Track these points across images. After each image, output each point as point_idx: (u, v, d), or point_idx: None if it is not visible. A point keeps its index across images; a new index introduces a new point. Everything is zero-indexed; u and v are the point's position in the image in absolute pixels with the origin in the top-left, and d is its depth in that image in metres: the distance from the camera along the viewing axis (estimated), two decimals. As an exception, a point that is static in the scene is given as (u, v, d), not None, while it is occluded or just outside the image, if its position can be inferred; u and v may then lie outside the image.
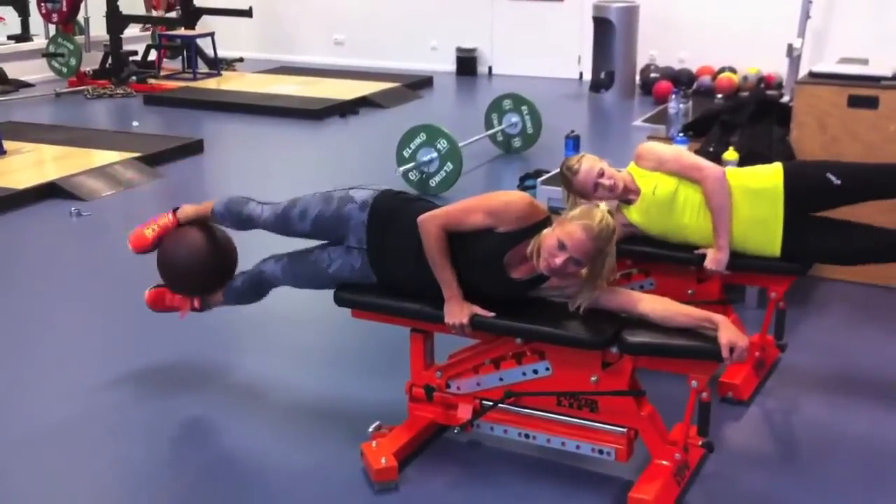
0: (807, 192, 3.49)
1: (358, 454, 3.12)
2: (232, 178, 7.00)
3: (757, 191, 3.49)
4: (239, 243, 3.65)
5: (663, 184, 3.53)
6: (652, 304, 2.88)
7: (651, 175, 3.56)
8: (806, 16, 7.89)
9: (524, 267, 2.94)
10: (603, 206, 2.89)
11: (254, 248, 3.61)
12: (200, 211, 3.56)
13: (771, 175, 3.52)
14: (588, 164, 3.44)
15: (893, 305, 4.44)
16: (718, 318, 2.79)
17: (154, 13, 11.25)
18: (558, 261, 2.80)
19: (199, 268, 3.52)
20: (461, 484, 3.07)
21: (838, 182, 3.46)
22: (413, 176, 6.23)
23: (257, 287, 3.50)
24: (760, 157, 4.20)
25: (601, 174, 3.42)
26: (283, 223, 3.31)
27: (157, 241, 3.56)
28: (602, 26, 9.60)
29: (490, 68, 11.13)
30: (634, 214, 3.58)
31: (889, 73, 4.59)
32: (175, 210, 3.60)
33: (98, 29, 10.20)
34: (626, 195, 3.55)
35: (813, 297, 4.51)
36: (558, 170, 3.65)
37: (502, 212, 2.91)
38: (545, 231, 2.87)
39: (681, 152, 3.64)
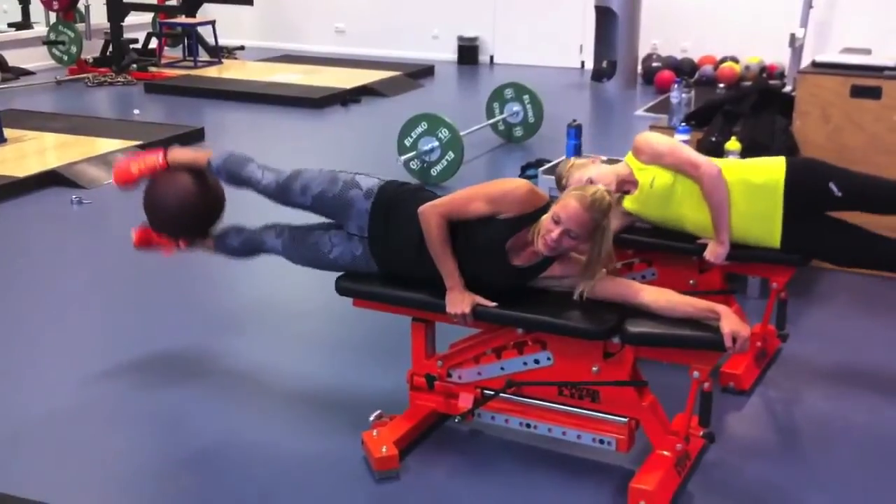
0: (806, 195, 3.47)
1: (359, 443, 3.12)
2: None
3: (757, 186, 3.47)
4: (232, 198, 3.61)
5: (661, 177, 3.51)
6: (654, 295, 2.87)
7: (648, 168, 3.54)
8: (808, 5, 7.87)
9: (525, 254, 2.93)
10: (602, 186, 2.91)
11: (247, 204, 3.59)
12: (195, 160, 3.50)
13: (773, 170, 3.49)
14: (577, 175, 3.38)
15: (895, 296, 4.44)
16: (721, 308, 2.78)
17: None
18: (554, 234, 2.79)
19: (186, 215, 3.48)
20: (462, 473, 3.08)
21: (839, 194, 3.45)
22: (414, 165, 6.21)
23: (252, 251, 3.50)
24: (763, 147, 4.19)
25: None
26: (283, 193, 3.29)
27: (141, 179, 3.52)
28: (604, 15, 9.57)
29: (491, 57, 11.11)
30: (631, 204, 3.57)
31: (892, 63, 4.57)
32: (165, 151, 3.53)
33: (99, 17, 10.17)
34: (623, 187, 3.53)
35: (815, 287, 4.50)
36: (559, 160, 3.63)
37: (503, 198, 2.91)
38: (545, 215, 2.87)
39: (677, 147, 3.57)
